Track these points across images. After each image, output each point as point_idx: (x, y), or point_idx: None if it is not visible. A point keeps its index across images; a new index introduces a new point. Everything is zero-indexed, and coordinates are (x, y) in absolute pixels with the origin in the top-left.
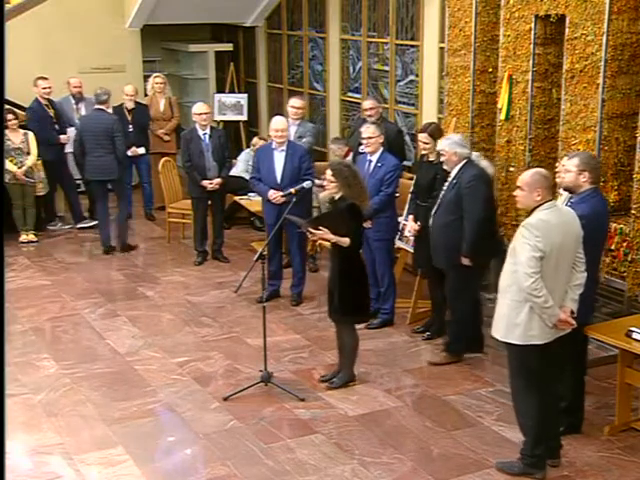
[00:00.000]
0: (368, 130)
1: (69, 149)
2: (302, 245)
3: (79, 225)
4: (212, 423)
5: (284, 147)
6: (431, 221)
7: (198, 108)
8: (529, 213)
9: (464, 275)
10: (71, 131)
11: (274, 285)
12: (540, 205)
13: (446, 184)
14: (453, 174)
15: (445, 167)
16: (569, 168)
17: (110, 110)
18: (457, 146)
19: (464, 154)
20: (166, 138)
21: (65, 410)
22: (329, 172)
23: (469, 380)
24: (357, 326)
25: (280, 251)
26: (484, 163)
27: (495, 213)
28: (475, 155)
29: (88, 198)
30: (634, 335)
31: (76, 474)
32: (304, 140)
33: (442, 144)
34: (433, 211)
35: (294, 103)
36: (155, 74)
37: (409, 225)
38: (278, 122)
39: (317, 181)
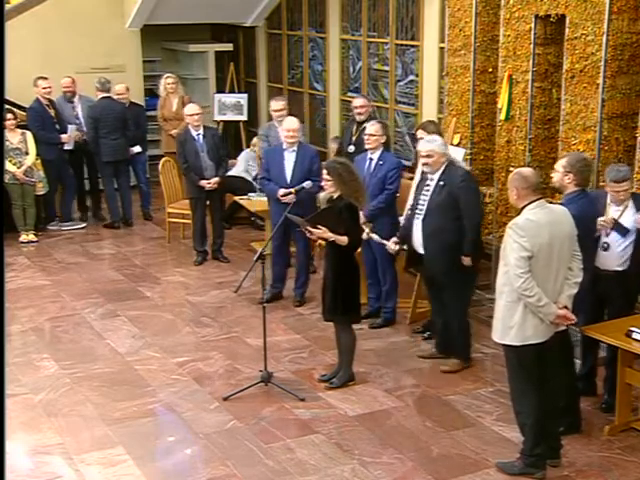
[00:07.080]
0: (372, 127)
1: (68, 147)
2: (307, 247)
3: (64, 227)
4: (212, 423)
5: (295, 148)
6: (418, 229)
7: (189, 109)
8: (518, 213)
9: (462, 278)
10: (71, 129)
11: (278, 288)
12: (528, 205)
13: (429, 188)
14: (437, 177)
15: (426, 169)
16: (557, 168)
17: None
18: (445, 147)
19: (449, 155)
20: None
21: (65, 410)
22: (324, 171)
23: (469, 380)
24: (359, 325)
25: (285, 254)
26: (462, 163)
27: None
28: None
29: (90, 197)
30: (634, 335)
31: (76, 474)
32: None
33: (430, 146)
34: (420, 218)
35: (275, 106)
36: (166, 74)
37: None
38: (291, 122)
39: None
